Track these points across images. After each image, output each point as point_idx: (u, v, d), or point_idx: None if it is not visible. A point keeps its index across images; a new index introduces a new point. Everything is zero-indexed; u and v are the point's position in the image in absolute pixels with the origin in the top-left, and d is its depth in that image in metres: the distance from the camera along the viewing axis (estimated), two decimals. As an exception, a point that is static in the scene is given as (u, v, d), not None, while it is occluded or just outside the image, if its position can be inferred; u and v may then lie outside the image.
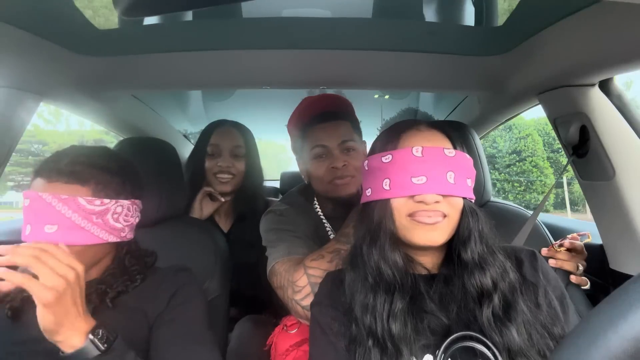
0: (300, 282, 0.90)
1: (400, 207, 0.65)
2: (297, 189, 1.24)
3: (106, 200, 0.73)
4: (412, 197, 0.64)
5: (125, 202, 0.77)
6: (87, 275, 0.75)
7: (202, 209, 1.37)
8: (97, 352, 0.60)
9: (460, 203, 0.65)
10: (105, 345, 0.61)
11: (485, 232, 0.66)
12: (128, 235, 0.80)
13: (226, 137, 1.40)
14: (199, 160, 1.39)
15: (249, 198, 1.42)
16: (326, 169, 1.05)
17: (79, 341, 0.60)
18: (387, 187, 0.65)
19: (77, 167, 0.72)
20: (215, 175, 1.38)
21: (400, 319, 0.62)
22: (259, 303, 1.39)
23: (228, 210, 1.46)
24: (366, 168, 0.72)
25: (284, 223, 1.07)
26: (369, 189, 0.70)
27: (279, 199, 1.36)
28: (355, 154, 1.07)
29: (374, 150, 0.73)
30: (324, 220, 1.12)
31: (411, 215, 0.64)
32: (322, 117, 1.09)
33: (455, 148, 0.67)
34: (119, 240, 0.77)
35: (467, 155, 0.68)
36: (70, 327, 0.60)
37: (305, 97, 1.19)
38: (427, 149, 0.64)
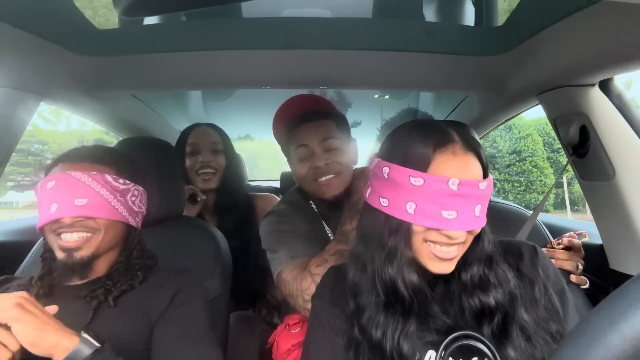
0: (309, 290, 0.90)
1: (421, 232, 0.61)
2: (295, 187, 1.24)
3: (127, 181, 0.80)
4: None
5: (140, 188, 0.84)
6: (95, 272, 0.79)
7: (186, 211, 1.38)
8: (90, 351, 0.59)
9: (478, 230, 0.63)
10: (98, 344, 0.60)
11: (490, 251, 0.65)
12: (139, 223, 0.85)
13: (203, 135, 1.43)
14: (179, 161, 1.39)
15: (230, 191, 1.45)
16: (309, 168, 1.04)
17: (72, 341, 0.59)
18: (411, 211, 0.60)
19: (99, 153, 0.80)
20: (198, 173, 1.39)
21: (411, 337, 0.61)
22: (250, 296, 1.44)
23: (213, 210, 1.48)
24: (386, 177, 0.64)
25: (283, 224, 1.06)
26: (386, 200, 0.63)
27: (279, 199, 1.35)
28: (339, 152, 1.05)
29: (393, 156, 0.64)
30: (322, 219, 1.12)
31: (430, 241, 0.61)
32: (304, 117, 1.08)
33: (484, 167, 0.63)
34: (134, 224, 0.82)
35: (492, 180, 0.65)
36: (57, 334, 0.59)
37: (288, 99, 1.19)
38: (463, 184, 0.59)
